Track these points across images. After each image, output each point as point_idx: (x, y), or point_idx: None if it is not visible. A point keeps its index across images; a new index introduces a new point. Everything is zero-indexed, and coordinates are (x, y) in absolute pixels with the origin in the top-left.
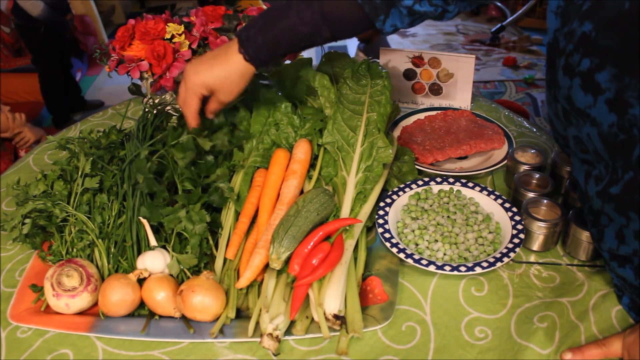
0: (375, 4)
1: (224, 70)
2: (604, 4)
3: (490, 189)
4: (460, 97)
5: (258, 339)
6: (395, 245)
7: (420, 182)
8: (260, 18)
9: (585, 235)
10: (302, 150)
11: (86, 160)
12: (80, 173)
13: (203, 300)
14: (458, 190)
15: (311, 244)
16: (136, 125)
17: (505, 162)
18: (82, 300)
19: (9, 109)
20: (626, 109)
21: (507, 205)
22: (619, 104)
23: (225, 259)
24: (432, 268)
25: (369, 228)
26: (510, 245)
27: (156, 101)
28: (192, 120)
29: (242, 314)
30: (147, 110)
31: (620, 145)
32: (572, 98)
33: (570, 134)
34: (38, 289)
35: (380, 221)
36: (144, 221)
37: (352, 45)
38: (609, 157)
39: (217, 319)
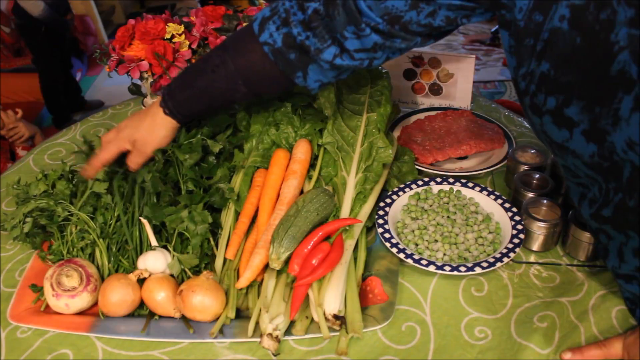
0: (289, 60)
1: (146, 123)
2: (555, 43)
3: (490, 189)
4: (460, 97)
5: (258, 339)
6: (395, 245)
7: (420, 182)
8: (181, 73)
9: (585, 236)
10: (302, 151)
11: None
12: None
13: (203, 300)
14: (458, 191)
15: (311, 244)
16: None
17: (505, 162)
18: (82, 300)
19: (1, 108)
20: (604, 136)
21: (507, 205)
22: (596, 134)
23: (225, 259)
24: (432, 268)
25: (369, 228)
26: (510, 246)
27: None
28: (97, 163)
29: (242, 314)
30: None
31: (607, 171)
32: (547, 133)
33: (559, 163)
34: (38, 289)
35: (380, 221)
36: (145, 221)
37: None
38: (602, 179)
39: (217, 319)
